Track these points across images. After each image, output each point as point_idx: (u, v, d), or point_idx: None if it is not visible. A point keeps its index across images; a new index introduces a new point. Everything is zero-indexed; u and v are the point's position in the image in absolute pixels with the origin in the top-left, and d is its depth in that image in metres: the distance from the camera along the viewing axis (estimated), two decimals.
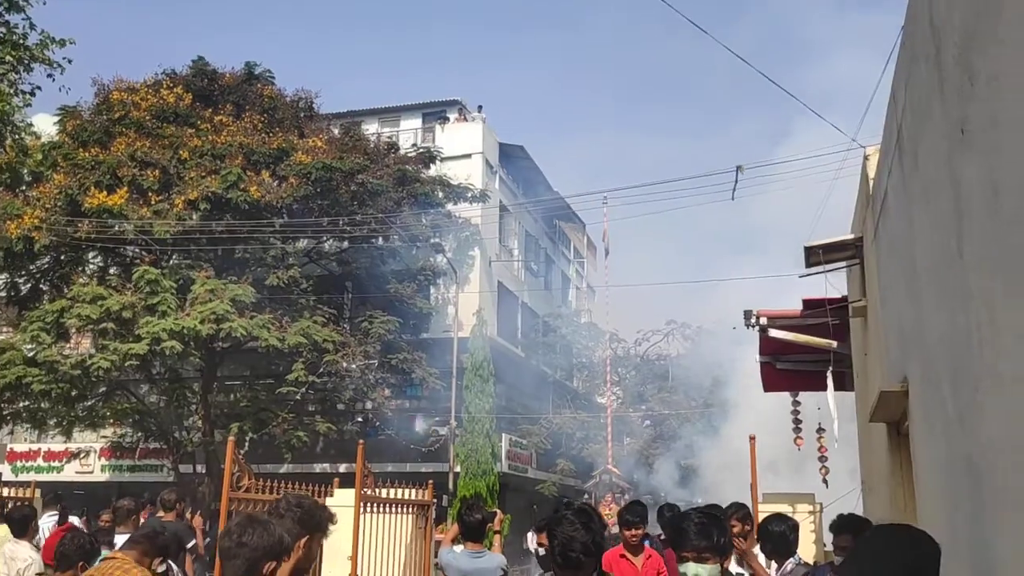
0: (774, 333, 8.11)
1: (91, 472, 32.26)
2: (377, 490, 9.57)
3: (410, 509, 10.04)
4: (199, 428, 26.94)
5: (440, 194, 29.29)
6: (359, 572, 8.90)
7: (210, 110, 26.48)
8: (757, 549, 5.80)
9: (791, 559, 5.10)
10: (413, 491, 10.40)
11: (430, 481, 10.98)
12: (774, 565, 5.29)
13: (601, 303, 36.10)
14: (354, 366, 25.07)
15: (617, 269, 37.95)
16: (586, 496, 32.46)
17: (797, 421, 8.80)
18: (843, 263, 6.49)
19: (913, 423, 3.90)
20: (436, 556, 6.42)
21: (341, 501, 10.03)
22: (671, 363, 35.54)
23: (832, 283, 7.77)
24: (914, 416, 3.88)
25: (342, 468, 29.10)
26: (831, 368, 8.12)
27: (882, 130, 6.44)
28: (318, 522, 3.54)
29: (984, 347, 2.22)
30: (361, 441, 9.65)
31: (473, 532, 6.11)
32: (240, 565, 2.94)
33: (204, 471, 26.61)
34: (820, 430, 8.67)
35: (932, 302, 3.14)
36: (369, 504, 9.10)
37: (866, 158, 5.40)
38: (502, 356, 30.97)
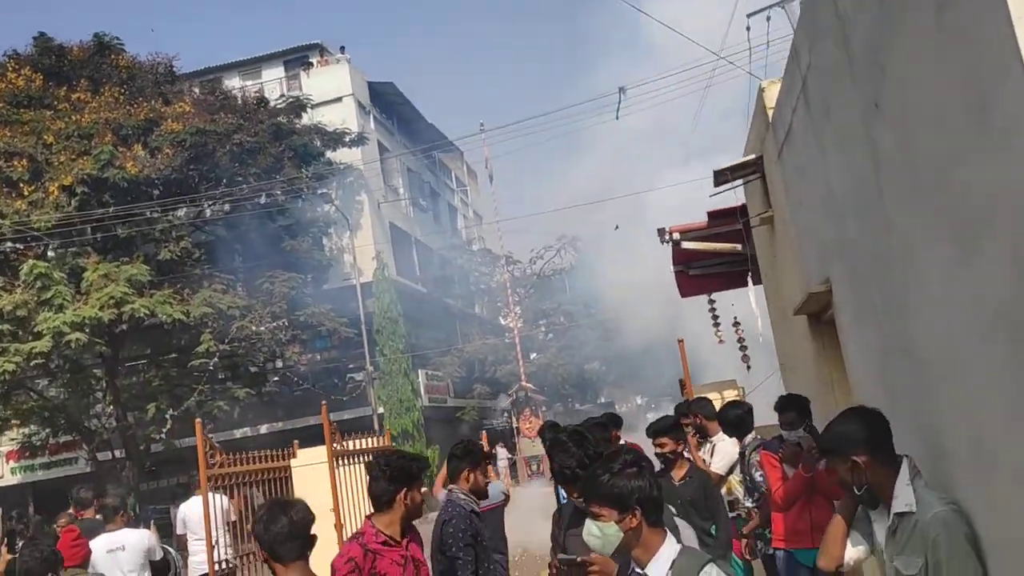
0: (687, 245, 8.99)
1: (0, 477, 31.43)
2: (345, 443, 10.19)
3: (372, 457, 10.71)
4: (111, 414, 26.60)
5: (318, 143, 29.13)
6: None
7: (64, 88, 25.41)
8: (721, 434, 6.77)
9: (749, 435, 6.10)
10: (371, 440, 11.05)
11: (295, 440, 11.25)
12: (736, 441, 6.31)
13: (492, 229, 36.89)
14: (263, 328, 25.14)
15: (505, 196, 38.62)
16: (505, 415, 33.76)
17: (715, 319, 9.80)
18: (740, 181, 7.38)
19: (839, 316, 4.79)
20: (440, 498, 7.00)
21: (308, 459, 10.63)
22: (567, 276, 36.82)
23: (726, 198, 8.70)
24: (840, 310, 4.77)
25: (263, 429, 29.42)
26: (748, 269, 9.16)
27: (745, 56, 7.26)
28: (410, 474, 4.06)
29: (908, 265, 3.05)
30: (324, 402, 10.18)
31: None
32: (297, 545, 3.24)
33: (124, 455, 26.43)
34: (736, 323, 9.73)
35: (853, 225, 3.97)
36: (340, 458, 9.72)
37: (762, 90, 6.23)
38: (405, 295, 31.49)
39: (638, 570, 2.77)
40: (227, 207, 27.12)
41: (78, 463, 29.79)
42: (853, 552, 3.30)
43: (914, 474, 3.02)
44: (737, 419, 5.98)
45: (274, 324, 25.70)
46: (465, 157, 45.50)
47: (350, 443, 10.35)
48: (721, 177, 7.23)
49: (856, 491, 3.12)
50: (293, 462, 10.65)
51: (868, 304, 3.96)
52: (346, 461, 9.92)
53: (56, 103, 24.80)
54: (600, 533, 2.76)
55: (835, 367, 5.95)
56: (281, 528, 3.23)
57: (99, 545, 7.27)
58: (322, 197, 29.24)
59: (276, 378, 28.32)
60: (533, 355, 37.66)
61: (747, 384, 9.81)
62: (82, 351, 22.31)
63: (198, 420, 9.44)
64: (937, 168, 2.51)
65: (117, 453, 27.11)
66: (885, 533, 3.09)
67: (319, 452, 12.15)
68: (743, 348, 9.50)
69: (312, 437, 11.67)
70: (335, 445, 9.65)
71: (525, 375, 32.95)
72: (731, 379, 9.94)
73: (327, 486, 9.89)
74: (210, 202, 26.86)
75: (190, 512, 10.55)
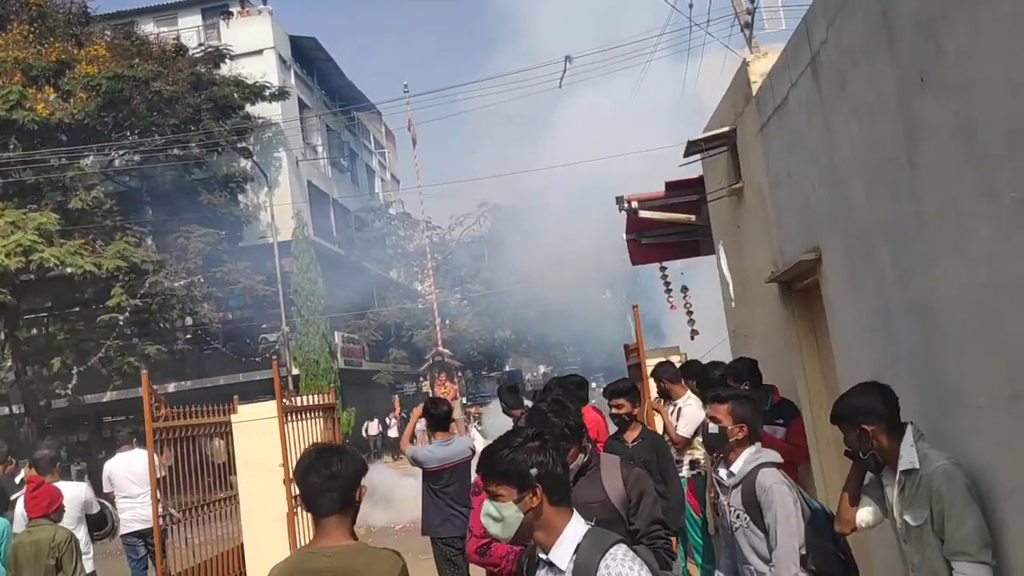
0: (644, 214, 9.20)
1: None
2: (297, 399, 10.11)
3: (319, 413, 10.66)
4: (10, 368, 25.48)
5: (236, 96, 28.29)
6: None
7: None
8: (690, 395, 7.02)
9: None
10: (315, 397, 10.98)
11: (235, 396, 11.02)
12: (700, 403, 6.58)
13: (413, 193, 36.66)
14: (177, 284, 24.45)
15: (426, 162, 38.30)
16: (421, 379, 33.81)
17: (667, 286, 10.10)
18: (712, 152, 7.61)
19: (827, 283, 5.05)
20: (408, 455, 7.05)
21: (249, 416, 10.50)
22: (486, 243, 36.92)
23: (681, 170, 8.95)
24: (828, 277, 5.02)
25: (171, 388, 28.66)
26: (698, 240, 9.45)
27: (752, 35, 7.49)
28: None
29: (943, 230, 3.28)
30: (274, 357, 10.05)
31: (441, 423, 6.88)
32: (336, 498, 2.87)
33: (22, 411, 25.44)
34: (684, 289, 10.05)
35: (861, 193, 4.20)
36: (287, 413, 9.63)
37: (746, 63, 6.43)
38: (322, 256, 31.03)
39: (541, 555, 2.53)
40: (142, 157, 26.16)
41: None
42: (864, 514, 3.59)
43: (917, 436, 3.31)
44: (720, 379, 6.23)
45: (188, 280, 25.04)
46: (384, 120, 44.91)
47: (298, 399, 10.28)
48: (694, 148, 7.44)
49: (862, 455, 3.40)
50: (233, 418, 10.51)
51: (873, 268, 4.20)
52: (294, 417, 9.84)
53: None
54: (498, 514, 2.49)
55: (804, 333, 6.25)
56: (317, 478, 2.89)
57: None
58: (240, 152, 28.50)
59: (189, 336, 27.62)
60: (448, 321, 37.78)
61: (689, 351, 10.13)
62: None
63: (144, 371, 9.22)
64: (1009, 137, 2.71)
65: (15, 408, 26.05)
66: (895, 494, 3.37)
67: (260, 408, 12.01)
68: (690, 315, 9.82)
69: (221, 398, 11.41)
70: (284, 400, 9.56)
71: (442, 340, 33.03)
72: (674, 345, 10.25)
73: (269, 442, 9.81)
74: (124, 151, 25.86)
75: (116, 470, 10.26)
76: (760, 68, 6.19)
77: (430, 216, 36.70)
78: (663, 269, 10.15)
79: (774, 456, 3.93)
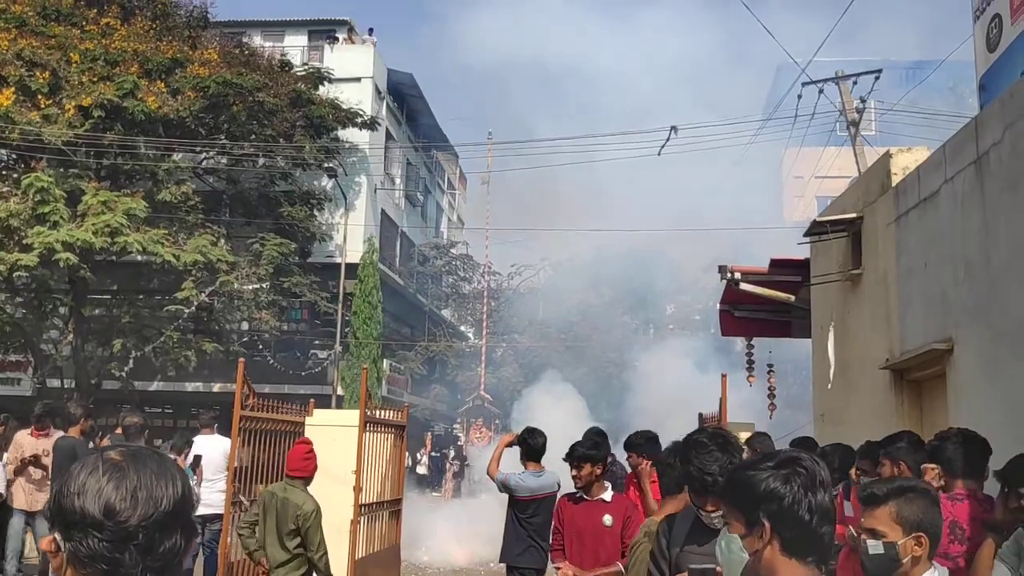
0: (745, 286, 9.41)
1: None
2: (375, 412, 10.36)
3: (391, 430, 10.88)
4: (69, 342, 26.13)
5: (331, 117, 29.16)
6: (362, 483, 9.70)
7: (95, 11, 25.14)
8: None
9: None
10: (390, 414, 11.21)
11: (312, 399, 11.20)
12: None
13: (479, 238, 37.19)
14: (247, 288, 25.02)
15: (496, 210, 38.76)
16: (458, 420, 33.90)
17: (750, 362, 10.22)
18: (834, 234, 7.81)
19: (959, 374, 5.20)
20: (499, 480, 7.16)
21: (328, 420, 10.77)
22: (541, 297, 37.18)
23: (784, 249, 9.15)
24: (957, 368, 5.18)
25: (216, 388, 29.11)
26: (791, 320, 9.59)
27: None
28: None
29: None
30: (365, 367, 10.31)
31: (535, 454, 7.06)
32: None
33: (72, 386, 26.00)
34: (770, 368, 10.17)
35: (1019, 288, 4.39)
36: (369, 425, 9.87)
37: (890, 155, 6.66)
38: (382, 283, 31.51)
39: None
40: (232, 161, 27.01)
41: (21, 384, 29.15)
42: None
43: None
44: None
45: (257, 286, 25.59)
46: (460, 163, 45.81)
47: (378, 412, 10.53)
48: (817, 229, 7.64)
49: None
50: (308, 420, 10.77)
51: (1019, 362, 4.36)
52: (371, 428, 10.06)
53: (85, 24, 24.53)
54: (725, 547, 2.18)
55: (911, 423, 6.36)
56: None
57: None
58: (326, 171, 29.22)
59: (245, 339, 28.13)
60: (492, 368, 37.88)
61: (765, 430, 10.18)
62: (69, 272, 22.00)
63: (241, 360, 9.52)
64: None
65: (66, 382, 26.63)
66: None
67: (335, 414, 12.23)
68: (772, 395, 9.92)
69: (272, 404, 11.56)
70: (368, 411, 9.81)
71: (484, 385, 33.19)
72: (750, 422, 10.33)
73: (340, 449, 10.03)
74: (217, 151, 26.71)
75: (203, 451, 10.58)
76: (903, 162, 6.41)
77: (491, 261, 37.13)
78: (750, 345, 10.28)
79: None
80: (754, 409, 10.44)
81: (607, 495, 5.53)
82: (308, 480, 6.39)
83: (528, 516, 6.97)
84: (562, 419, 16.37)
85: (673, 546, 3.41)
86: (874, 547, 2.65)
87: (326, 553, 6.52)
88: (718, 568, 2.29)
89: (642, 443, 6.55)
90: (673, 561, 3.37)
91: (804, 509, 1.94)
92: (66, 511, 1.33)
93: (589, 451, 5.59)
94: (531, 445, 7.06)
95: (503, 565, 7.26)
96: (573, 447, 5.69)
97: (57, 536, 1.35)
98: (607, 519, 5.38)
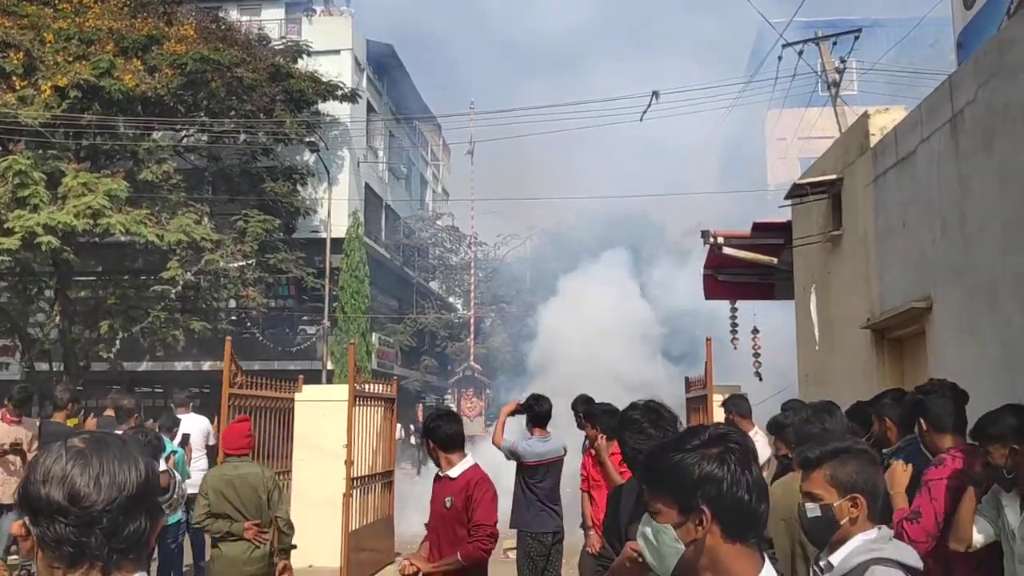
0: (728, 251, 9.46)
1: None
2: (364, 386, 10.41)
3: (381, 403, 10.94)
4: (56, 325, 26.04)
5: (311, 91, 28.90)
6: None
7: None
8: (758, 432, 7.18)
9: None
10: (379, 387, 11.26)
11: (301, 376, 11.32)
12: (766, 441, 6.69)
13: (464, 209, 37.10)
14: (232, 265, 24.93)
15: (480, 180, 38.61)
16: (449, 391, 34.05)
17: (734, 325, 10.29)
18: (806, 198, 7.85)
19: (937, 332, 5.26)
20: (505, 448, 7.20)
21: (317, 396, 10.81)
22: (528, 267, 37.22)
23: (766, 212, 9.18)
24: (936, 325, 5.24)
25: (206, 366, 29.08)
26: (774, 283, 9.66)
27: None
28: None
29: None
30: (352, 342, 10.33)
31: (542, 419, 7.14)
32: None
33: (61, 368, 25.92)
34: (755, 331, 10.25)
35: (996, 245, 4.43)
36: (359, 399, 9.92)
37: (868, 116, 6.68)
38: (369, 257, 31.45)
39: None
40: (213, 139, 26.78)
41: (9, 368, 29.07)
42: (979, 536, 3.76)
43: None
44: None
45: (243, 263, 25.50)
46: (443, 134, 45.53)
47: (366, 386, 10.58)
48: (798, 191, 7.67)
49: (1006, 475, 3.58)
50: (297, 396, 10.81)
51: (997, 319, 4.41)
52: (361, 402, 10.12)
53: (57, 2, 24.18)
54: (652, 539, 1.91)
55: (893, 381, 6.44)
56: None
57: None
58: (308, 146, 29.00)
59: (233, 317, 28.09)
60: (481, 338, 37.96)
61: (749, 392, 10.27)
62: (52, 255, 21.86)
63: (228, 338, 9.54)
64: None
65: (55, 365, 26.55)
66: (1019, 516, 3.56)
67: (325, 389, 12.29)
68: (757, 357, 10.00)
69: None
70: (364, 386, 9.87)
71: (474, 355, 33.29)
72: (735, 384, 10.41)
73: (331, 424, 10.09)
74: (197, 130, 26.47)
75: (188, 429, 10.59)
76: (881, 122, 6.43)
77: (477, 232, 37.04)
78: (734, 308, 10.34)
79: (907, 555, 2.54)
80: (746, 373, 10.53)
81: (455, 470, 4.78)
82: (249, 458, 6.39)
83: (537, 481, 7.05)
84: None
85: (622, 518, 3.28)
86: (812, 510, 2.66)
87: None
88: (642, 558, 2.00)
89: (598, 414, 6.51)
90: (624, 535, 3.17)
91: (743, 489, 1.82)
92: (32, 498, 1.38)
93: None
94: (537, 411, 7.16)
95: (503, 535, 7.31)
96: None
97: (26, 521, 1.39)
98: (447, 501, 4.72)
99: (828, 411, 3.78)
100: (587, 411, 6.96)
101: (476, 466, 4.78)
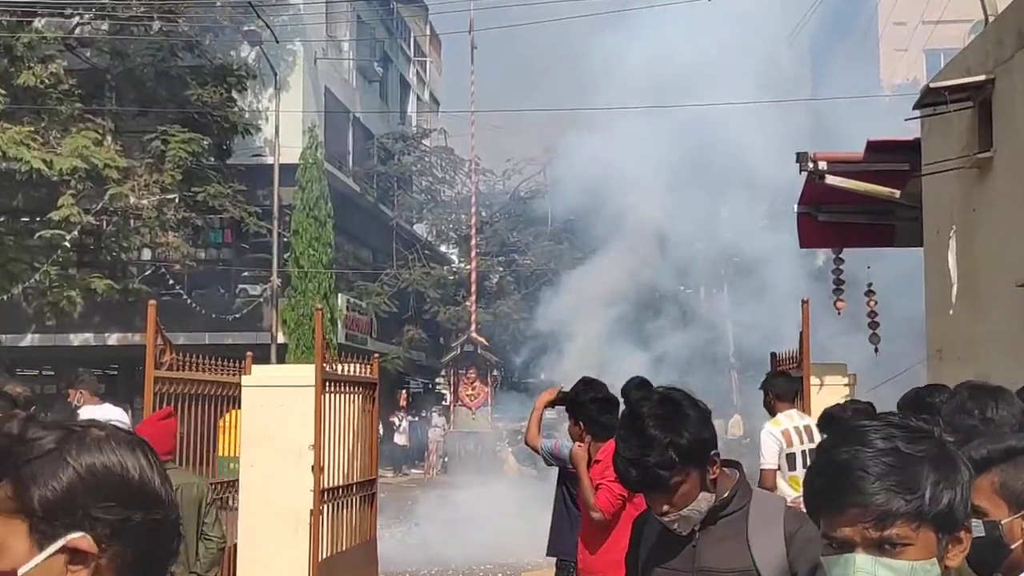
0: (832, 180, 9.47)
1: None
2: (336, 366, 10.53)
3: (358, 389, 11.07)
4: None
5: None
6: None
7: None
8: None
9: None
10: (356, 367, 11.38)
11: (249, 353, 11.02)
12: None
13: (464, 122, 36.98)
14: (146, 202, 25.05)
15: (484, 80, 38.44)
16: (442, 373, 34.34)
17: (839, 281, 10.32)
18: (952, 107, 7.83)
19: None
20: (545, 450, 7.24)
21: (273, 379, 10.97)
22: (549, 203, 37.19)
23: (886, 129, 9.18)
24: None
25: (112, 340, 29.32)
26: (895, 224, 9.70)
27: None
28: None
29: None
30: (318, 308, 10.42)
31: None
32: None
33: None
34: (870, 291, 10.29)
35: None
36: (329, 383, 10.04)
37: None
38: (332, 190, 31.50)
39: None
40: (118, 27, 26.73)
41: None
42: None
43: None
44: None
45: (161, 198, 25.60)
46: (431, 19, 45.28)
47: (338, 367, 10.70)
48: (931, 97, 7.66)
49: None
50: (245, 380, 10.90)
51: None
52: (332, 388, 10.22)
53: None
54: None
55: None
56: None
57: None
58: (245, 36, 28.88)
59: (148, 272, 28.29)
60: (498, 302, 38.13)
61: (861, 371, 10.34)
62: None
63: (152, 302, 9.62)
64: None
65: None
66: None
67: (283, 371, 12.43)
68: (874, 325, 10.06)
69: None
70: (328, 366, 9.97)
71: (477, 324, 33.40)
72: (840, 362, 10.49)
73: (291, 417, 10.19)
74: (94, 14, 26.46)
75: None
76: None
77: (479, 156, 36.94)
78: (838, 260, 10.38)
79: None
80: (850, 345, 10.63)
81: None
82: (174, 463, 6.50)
83: None
84: None
85: (643, 549, 3.31)
86: (975, 528, 2.36)
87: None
88: None
89: (586, 404, 6.26)
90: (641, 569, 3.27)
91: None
92: None
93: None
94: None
95: (506, 565, 7.42)
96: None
97: None
98: None
99: (994, 395, 3.77)
100: (573, 400, 6.61)
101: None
